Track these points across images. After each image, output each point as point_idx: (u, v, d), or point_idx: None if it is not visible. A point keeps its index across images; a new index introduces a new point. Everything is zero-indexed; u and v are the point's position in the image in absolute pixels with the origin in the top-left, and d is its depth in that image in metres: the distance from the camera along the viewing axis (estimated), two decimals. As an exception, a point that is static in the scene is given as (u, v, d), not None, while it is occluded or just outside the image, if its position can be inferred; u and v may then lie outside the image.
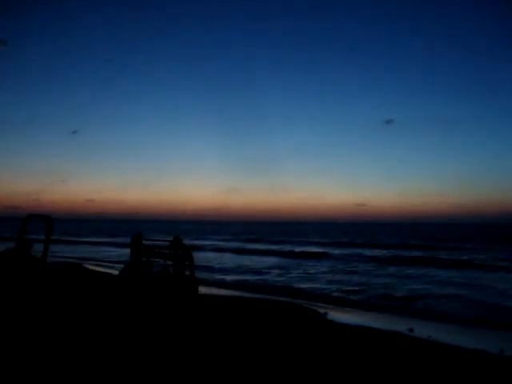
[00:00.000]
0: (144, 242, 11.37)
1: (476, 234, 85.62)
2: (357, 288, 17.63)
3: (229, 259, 31.41)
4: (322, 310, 12.16)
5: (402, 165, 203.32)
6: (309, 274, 22.88)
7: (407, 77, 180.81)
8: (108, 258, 30.68)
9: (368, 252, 37.16)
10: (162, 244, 11.73)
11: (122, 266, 12.44)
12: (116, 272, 14.76)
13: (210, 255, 34.09)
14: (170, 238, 11.18)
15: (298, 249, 41.68)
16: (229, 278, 21.17)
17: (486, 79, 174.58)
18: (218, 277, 21.20)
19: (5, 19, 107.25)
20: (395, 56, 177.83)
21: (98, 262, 27.09)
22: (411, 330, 10.02)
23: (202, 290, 12.29)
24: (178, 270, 10.64)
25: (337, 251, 38.13)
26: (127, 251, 12.54)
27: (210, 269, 24.39)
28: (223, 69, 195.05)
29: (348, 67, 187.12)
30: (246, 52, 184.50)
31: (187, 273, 10.81)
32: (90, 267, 21.94)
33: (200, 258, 31.56)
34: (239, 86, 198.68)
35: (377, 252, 37.32)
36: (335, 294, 16.45)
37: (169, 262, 10.90)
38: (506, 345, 9.04)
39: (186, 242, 12.44)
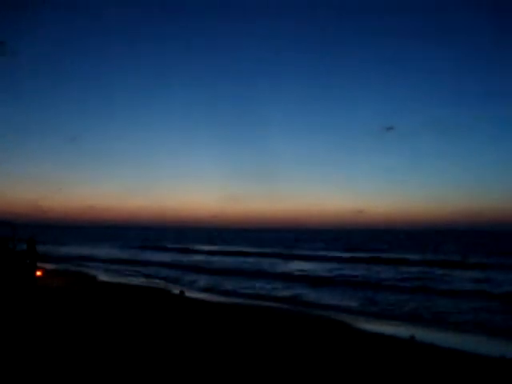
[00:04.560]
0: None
1: (474, 242, 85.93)
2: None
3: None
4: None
5: (402, 172, 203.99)
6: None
7: (407, 83, 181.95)
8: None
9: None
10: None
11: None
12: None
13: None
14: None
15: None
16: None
17: (487, 85, 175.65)
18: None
19: (3, 22, 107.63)
20: (395, 62, 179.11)
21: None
22: (412, 337, 10.56)
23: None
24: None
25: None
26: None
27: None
28: (222, 75, 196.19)
29: (348, 73, 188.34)
30: (245, 57, 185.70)
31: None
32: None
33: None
34: (238, 92, 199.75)
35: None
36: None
37: None
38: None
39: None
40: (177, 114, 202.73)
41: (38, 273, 17.73)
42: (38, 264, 17.79)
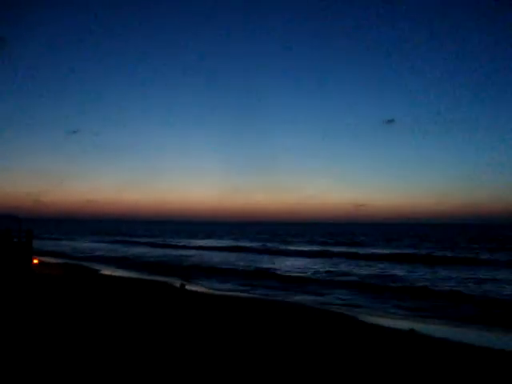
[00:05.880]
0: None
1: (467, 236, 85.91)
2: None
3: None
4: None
5: (403, 165, 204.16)
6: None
7: (408, 77, 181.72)
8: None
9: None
10: None
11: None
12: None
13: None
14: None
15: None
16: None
17: (487, 78, 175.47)
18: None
19: (3, 17, 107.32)
20: (396, 55, 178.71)
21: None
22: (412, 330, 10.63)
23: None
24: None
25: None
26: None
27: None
28: (224, 68, 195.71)
29: (348, 67, 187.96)
30: (246, 51, 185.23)
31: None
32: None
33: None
34: (238, 85, 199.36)
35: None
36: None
37: None
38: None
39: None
40: (177, 108, 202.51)
41: (35, 261, 19.56)
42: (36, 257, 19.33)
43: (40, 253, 29.27)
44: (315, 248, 46.27)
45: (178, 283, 18.44)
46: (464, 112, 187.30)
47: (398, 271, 25.18)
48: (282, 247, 48.36)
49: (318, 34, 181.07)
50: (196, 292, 16.53)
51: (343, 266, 28.11)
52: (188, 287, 17.41)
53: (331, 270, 25.91)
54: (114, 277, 20.88)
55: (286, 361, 7.05)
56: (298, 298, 16.34)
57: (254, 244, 53.73)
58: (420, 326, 11.28)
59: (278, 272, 24.66)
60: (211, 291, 17.46)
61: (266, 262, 30.95)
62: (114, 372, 6.12)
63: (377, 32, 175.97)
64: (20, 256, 18.25)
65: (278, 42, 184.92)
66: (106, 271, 23.79)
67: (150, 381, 5.90)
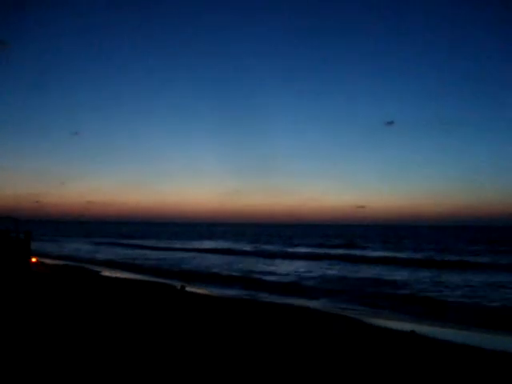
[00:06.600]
0: None
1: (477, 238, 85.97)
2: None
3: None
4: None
5: (403, 167, 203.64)
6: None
7: (408, 78, 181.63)
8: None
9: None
10: None
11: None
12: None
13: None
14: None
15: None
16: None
17: (488, 80, 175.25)
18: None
19: (5, 19, 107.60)
20: (396, 57, 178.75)
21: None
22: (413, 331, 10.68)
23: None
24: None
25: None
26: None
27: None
28: (224, 68, 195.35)
29: (348, 67, 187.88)
30: (247, 51, 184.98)
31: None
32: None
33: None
34: (238, 86, 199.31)
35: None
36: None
37: None
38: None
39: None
40: (177, 110, 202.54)
41: (33, 259, 20.38)
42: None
43: (39, 254, 29.32)
44: (314, 250, 46.29)
45: (178, 285, 18.46)
46: (464, 114, 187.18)
47: (397, 275, 25.19)
48: (281, 249, 48.31)
49: (318, 34, 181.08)
50: (196, 294, 16.57)
51: (342, 269, 28.14)
52: (188, 289, 17.48)
53: (329, 273, 25.95)
54: (115, 278, 20.91)
55: (289, 360, 7.07)
56: (297, 301, 16.35)
57: (253, 246, 53.77)
58: (420, 328, 11.32)
59: (276, 275, 24.71)
60: (211, 293, 17.50)
61: (264, 265, 30.99)
62: (112, 371, 6.14)
63: (377, 33, 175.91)
64: (17, 253, 18.51)
65: (278, 42, 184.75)
66: (107, 273, 23.83)
67: (150, 380, 5.92)
